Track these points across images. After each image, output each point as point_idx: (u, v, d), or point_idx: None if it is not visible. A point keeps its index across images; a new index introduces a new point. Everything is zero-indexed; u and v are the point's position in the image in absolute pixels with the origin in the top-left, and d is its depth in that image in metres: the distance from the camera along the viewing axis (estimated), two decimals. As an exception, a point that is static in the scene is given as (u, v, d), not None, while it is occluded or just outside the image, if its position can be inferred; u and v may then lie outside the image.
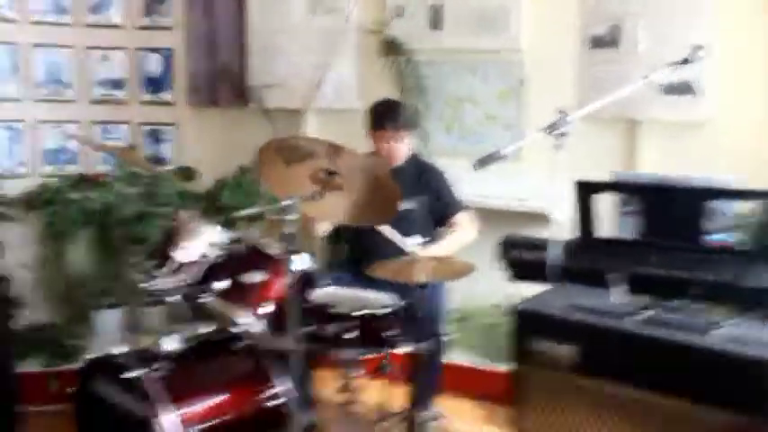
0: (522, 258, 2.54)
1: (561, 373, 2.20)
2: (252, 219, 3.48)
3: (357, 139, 3.18)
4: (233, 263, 2.55)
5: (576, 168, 3.29)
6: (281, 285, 2.49)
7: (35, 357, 3.51)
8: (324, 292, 2.73)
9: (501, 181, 3.64)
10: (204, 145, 4.31)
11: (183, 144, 4.36)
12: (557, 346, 2.19)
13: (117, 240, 3.78)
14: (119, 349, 2.52)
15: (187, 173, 4.29)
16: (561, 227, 2.73)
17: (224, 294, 2.48)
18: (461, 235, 3.20)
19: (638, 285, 2.29)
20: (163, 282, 2.56)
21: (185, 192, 4.09)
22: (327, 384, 3.17)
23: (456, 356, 3.62)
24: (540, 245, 2.47)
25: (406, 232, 2.88)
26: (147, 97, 4.30)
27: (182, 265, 2.59)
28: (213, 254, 2.57)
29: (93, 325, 3.78)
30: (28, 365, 3.46)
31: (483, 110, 3.86)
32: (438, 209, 3.23)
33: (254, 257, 2.53)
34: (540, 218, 3.49)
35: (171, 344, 2.53)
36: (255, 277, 2.49)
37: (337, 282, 3.00)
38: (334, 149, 2.38)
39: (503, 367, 3.28)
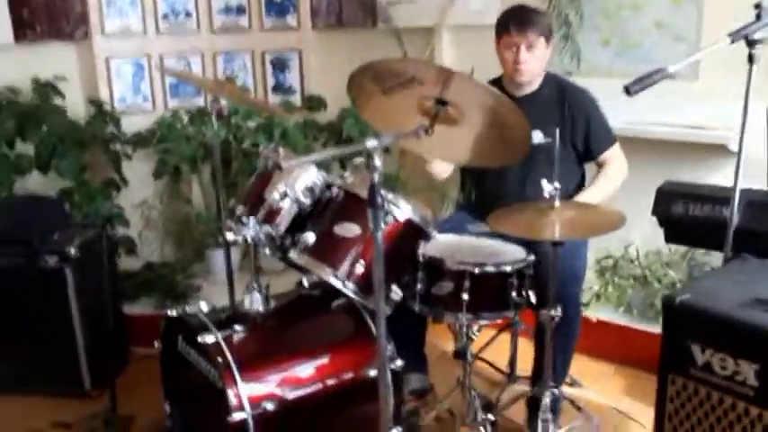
0: (688, 215, 1.80)
1: (730, 400, 1.50)
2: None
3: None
4: (327, 211, 2.11)
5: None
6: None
7: (147, 298, 3.32)
8: (440, 243, 2.25)
9: (671, 105, 2.90)
10: (330, 71, 3.88)
11: (309, 71, 3.97)
12: (728, 360, 1.48)
13: (235, 176, 3.50)
14: (204, 306, 2.21)
15: (314, 102, 3.91)
16: (751, 165, 2.02)
17: (314, 248, 2.06)
18: (613, 178, 2.54)
19: None
20: (252, 230, 2.18)
21: (306, 123, 3.71)
22: (446, 338, 2.73)
23: (599, 312, 3.01)
24: (712, 196, 1.75)
25: (541, 173, 2.31)
26: (271, 23, 3.92)
27: (273, 210, 2.20)
28: (308, 200, 2.15)
29: (208, 265, 3.56)
30: (139, 307, 3.28)
31: (651, 17, 3.07)
32: (585, 144, 2.56)
33: (350, 206, 2.07)
34: (720, 151, 2.73)
35: (256, 303, 2.18)
36: (351, 230, 2.04)
37: (455, 225, 2.51)
38: (446, 74, 1.84)
39: (654, 328, 2.76)
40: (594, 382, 2.80)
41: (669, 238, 1.92)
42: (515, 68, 2.47)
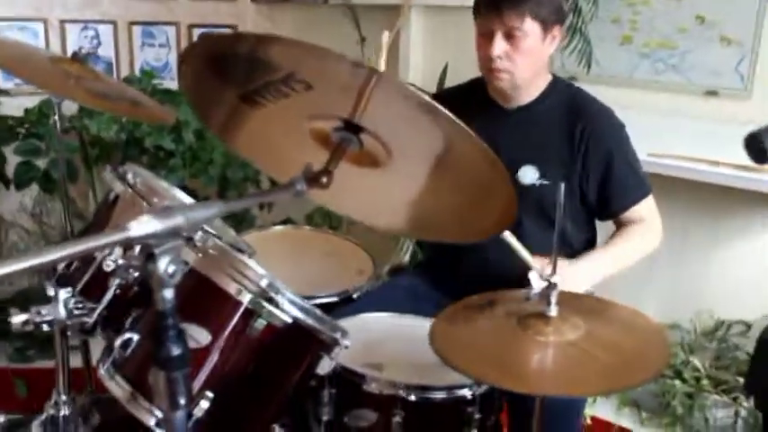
0: None
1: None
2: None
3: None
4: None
5: None
6: (243, 350, 1.16)
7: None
8: (365, 333, 1.38)
9: (710, 132, 2.02)
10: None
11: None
12: None
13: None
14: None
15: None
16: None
17: (133, 365, 1.16)
18: (641, 244, 1.60)
19: None
20: (59, 310, 1.29)
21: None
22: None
23: (597, 409, 2.16)
24: None
25: (528, 235, 1.42)
26: (200, -10, 3.02)
27: (101, 277, 1.31)
28: (136, 272, 1.25)
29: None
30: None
31: (691, 7, 2.16)
32: (601, 194, 1.58)
33: (199, 296, 1.17)
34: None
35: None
36: (196, 336, 1.14)
37: (398, 297, 1.62)
38: (359, 75, 0.92)
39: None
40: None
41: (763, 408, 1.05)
42: (487, 67, 1.54)
